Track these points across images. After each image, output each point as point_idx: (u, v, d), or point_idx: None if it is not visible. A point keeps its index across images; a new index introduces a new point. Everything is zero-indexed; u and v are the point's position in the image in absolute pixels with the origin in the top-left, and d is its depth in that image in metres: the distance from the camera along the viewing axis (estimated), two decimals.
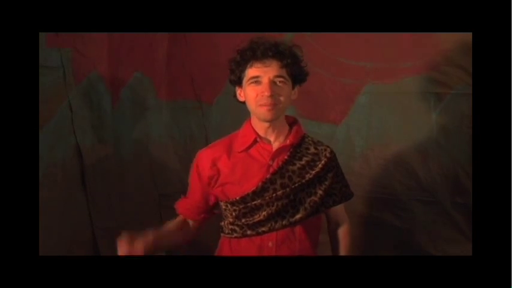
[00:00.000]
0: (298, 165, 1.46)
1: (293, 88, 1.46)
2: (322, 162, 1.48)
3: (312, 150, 1.50)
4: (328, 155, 1.51)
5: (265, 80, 1.39)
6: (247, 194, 1.42)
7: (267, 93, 1.38)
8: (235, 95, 1.51)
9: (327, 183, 1.48)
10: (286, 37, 2.15)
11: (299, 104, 2.23)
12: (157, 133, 2.52)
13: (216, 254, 1.56)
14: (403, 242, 2.10)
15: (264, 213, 1.42)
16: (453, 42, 1.90)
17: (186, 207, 1.56)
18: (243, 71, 1.43)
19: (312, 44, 2.16)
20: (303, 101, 2.22)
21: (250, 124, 1.50)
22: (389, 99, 2.07)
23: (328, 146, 1.55)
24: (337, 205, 1.53)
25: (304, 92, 2.20)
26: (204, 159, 1.50)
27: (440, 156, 2.00)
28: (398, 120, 2.06)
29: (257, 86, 1.40)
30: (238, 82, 1.46)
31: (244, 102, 1.48)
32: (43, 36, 2.03)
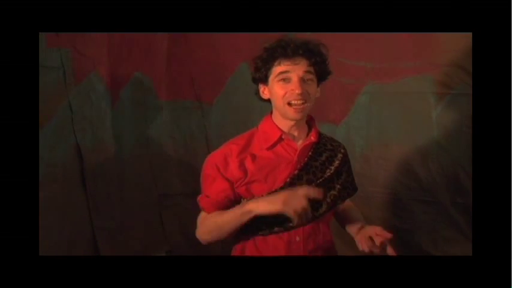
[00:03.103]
0: (319, 161, 1.49)
1: (317, 86, 1.47)
2: (339, 157, 1.53)
3: (329, 146, 1.54)
4: (342, 150, 1.57)
5: (295, 78, 1.39)
6: (275, 191, 1.41)
7: (297, 91, 1.38)
8: (257, 93, 1.50)
9: (342, 177, 1.53)
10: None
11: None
12: (157, 133, 2.52)
13: (235, 253, 1.52)
14: (403, 242, 2.10)
15: None
16: (453, 42, 1.90)
17: (216, 206, 1.46)
18: (269, 68, 1.43)
19: None
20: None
21: (272, 120, 1.49)
22: (389, 99, 2.07)
23: (340, 143, 1.61)
24: (349, 197, 1.57)
25: None
26: (231, 161, 1.44)
27: (440, 156, 2.01)
28: (398, 120, 2.07)
29: (286, 84, 1.40)
30: (264, 80, 1.45)
31: (267, 100, 1.48)
32: (43, 36, 2.03)
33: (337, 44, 2.13)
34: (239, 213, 1.38)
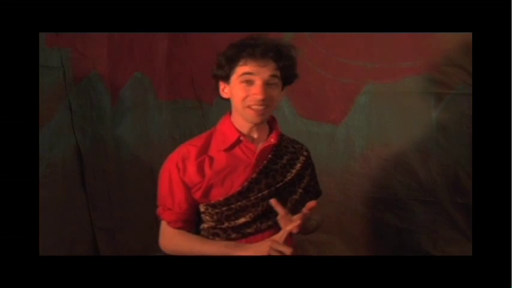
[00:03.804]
0: (280, 164, 1.43)
1: (282, 90, 1.40)
2: (301, 160, 1.48)
3: (291, 149, 1.48)
4: (305, 153, 1.51)
5: (259, 81, 1.31)
6: (232, 195, 1.37)
7: (259, 97, 1.31)
8: (216, 89, 1.43)
9: (305, 181, 1.47)
10: (286, 37, 2.15)
11: (299, 104, 2.23)
12: (157, 133, 2.52)
13: None
14: (403, 242, 2.10)
15: (250, 214, 1.38)
16: (453, 42, 1.90)
17: (180, 219, 1.42)
18: (233, 67, 1.34)
19: (312, 44, 2.17)
20: (303, 101, 2.23)
21: (231, 121, 1.42)
22: (389, 99, 2.07)
23: (303, 145, 1.54)
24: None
25: (304, 92, 2.22)
26: (189, 164, 1.39)
27: (440, 156, 2.01)
28: (398, 120, 2.06)
29: (249, 87, 1.33)
30: (226, 78, 1.38)
31: (227, 99, 1.42)
32: (43, 36, 2.03)
33: (337, 44, 2.14)
34: (222, 253, 1.34)
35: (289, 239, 1.31)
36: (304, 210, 1.28)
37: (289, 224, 1.28)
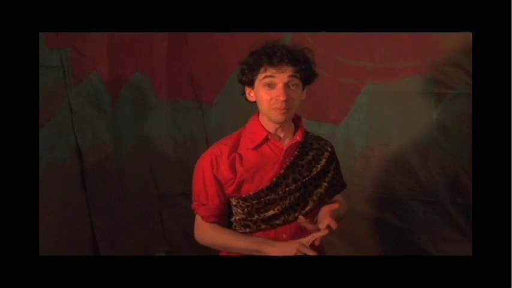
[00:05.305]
0: (306, 160, 1.52)
1: (303, 89, 1.50)
2: (326, 156, 1.57)
3: (315, 145, 1.57)
4: (329, 149, 1.60)
5: (280, 85, 1.42)
6: (261, 190, 1.47)
7: (282, 98, 1.41)
8: (243, 93, 1.53)
9: (329, 175, 1.57)
10: (286, 37, 2.15)
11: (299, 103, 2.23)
12: (157, 133, 2.52)
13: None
14: (403, 242, 2.10)
15: (278, 207, 1.47)
16: (453, 42, 1.90)
17: (213, 214, 1.51)
18: (256, 74, 1.45)
19: (312, 44, 2.16)
20: (303, 101, 2.23)
21: (259, 121, 1.52)
22: (389, 99, 2.07)
23: (327, 141, 1.63)
24: (337, 194, 1.63)
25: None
26: (221, 162, 1.48)
27: (440, 156, 2.01)
28: (398, 121, 2.07)
29: (271, 90, 1.43)
30: (250, 83, 1.49)
31: (253, 102, 1.51)
32: (43, 36, 2.03)
33: (337, 44, 2.14)
34: (252, 248, 1.44)
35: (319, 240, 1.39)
36: (333, 226, 1.34)
37: (317, 231, 1.37)
